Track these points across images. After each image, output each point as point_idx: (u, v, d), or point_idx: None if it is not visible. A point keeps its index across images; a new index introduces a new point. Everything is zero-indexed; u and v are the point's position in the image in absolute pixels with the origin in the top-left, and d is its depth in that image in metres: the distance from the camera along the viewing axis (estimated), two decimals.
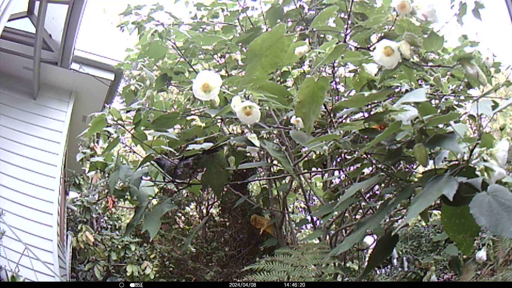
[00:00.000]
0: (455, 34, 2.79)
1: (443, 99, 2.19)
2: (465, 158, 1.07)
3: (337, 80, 2.36)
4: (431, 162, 1.21)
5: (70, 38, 4.64)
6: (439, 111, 1.95)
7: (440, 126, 1.19)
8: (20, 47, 4.74)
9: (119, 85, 5.54)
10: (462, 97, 2.27)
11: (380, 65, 1.59)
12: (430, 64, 2.07)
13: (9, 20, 3.54)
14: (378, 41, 1.31)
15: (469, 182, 1.00)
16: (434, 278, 2.93)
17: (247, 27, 2.82)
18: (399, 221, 1.90)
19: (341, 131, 1.46)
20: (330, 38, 2.41)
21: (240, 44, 2.77)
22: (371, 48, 1.31)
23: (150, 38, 2.11)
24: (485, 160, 1.06)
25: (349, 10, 1.46)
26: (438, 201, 1.12)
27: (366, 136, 1.46)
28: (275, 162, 2.73)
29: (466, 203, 0.93)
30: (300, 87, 1.30)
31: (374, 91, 1.71)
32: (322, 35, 2.48)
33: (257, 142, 1.55)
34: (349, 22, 1.35)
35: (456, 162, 1.11)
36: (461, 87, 2.29)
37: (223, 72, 3.10)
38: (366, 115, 1.93)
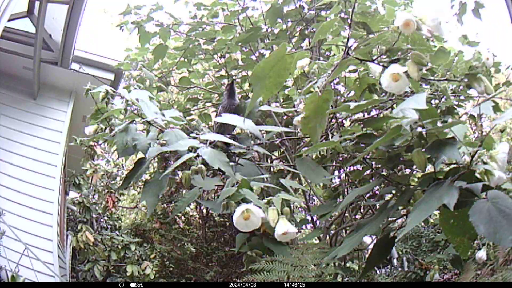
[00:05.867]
0: (455, 34, 2.79)
1: (443, 99, 2.19)
2: (466, 162, 1.04)
3: (337, 80, 2.36)
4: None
5: (70, 38, 4.64)
6: (439, 111, 1.95)
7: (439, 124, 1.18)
8: (20, 47, 4.73)
9: (119, 85, 5.54)
10: (462, 97, 2.27)
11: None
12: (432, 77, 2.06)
13: (9, 20, 3.54)
14: (381, 54, 1.30)
15: (469, 187, 0.98)
16: (437, 277, 2.92)
17: (247, 27, 2.82)
18: (398, 221, 1.90)
19: (341, 135, 1.46)
20: (330, 38, 2.41)
21: (240, 44, 2.77)
22: (376, 61, 1.29)
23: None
24: (485, 163, 1.04)
25: (350, 18, 1.44)
26: None
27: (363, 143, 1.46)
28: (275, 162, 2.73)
29: (465, 206, 0.92)
30: (306, 103, 1.30)
31: (375, 96, 1.71)
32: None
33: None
34: (350, 32, 1.33)
35: (455, 166, 1.09)
36: (461, 87, 2.29)
37: (223, 72, 3.10)
38: (366, 115, 1.92)
